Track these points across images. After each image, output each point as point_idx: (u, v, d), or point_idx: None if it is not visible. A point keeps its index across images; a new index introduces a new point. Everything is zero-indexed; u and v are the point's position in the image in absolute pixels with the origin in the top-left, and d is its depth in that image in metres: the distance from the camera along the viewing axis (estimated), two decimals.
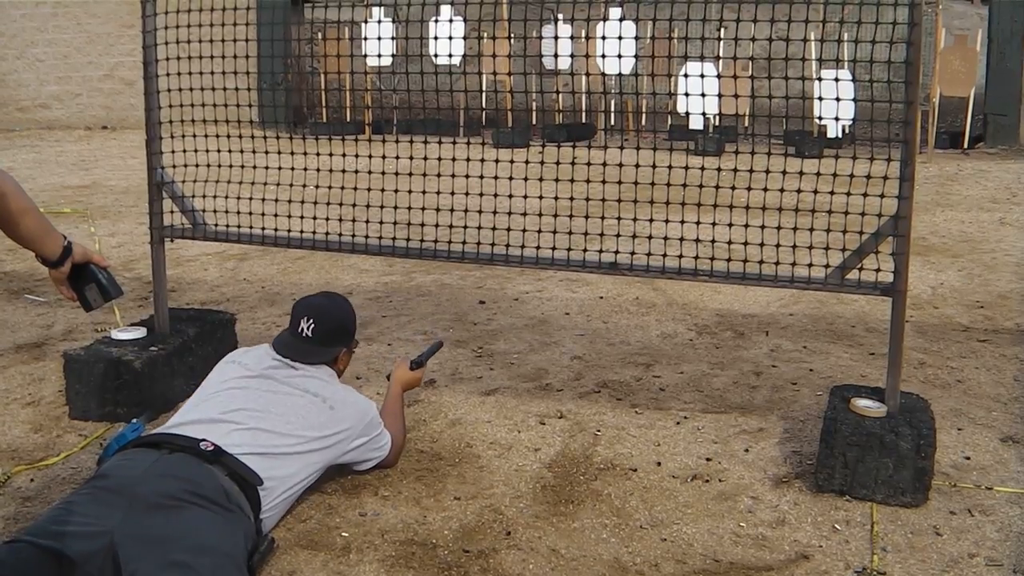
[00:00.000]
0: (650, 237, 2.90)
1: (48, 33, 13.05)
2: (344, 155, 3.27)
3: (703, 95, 3.23)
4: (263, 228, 3.27)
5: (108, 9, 12.83)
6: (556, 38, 9.31)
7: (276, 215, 3.24)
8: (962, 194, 7.51)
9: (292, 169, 3.30)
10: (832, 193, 2.69)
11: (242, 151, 3.37)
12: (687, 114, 9.19)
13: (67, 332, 4.05)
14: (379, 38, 8.64)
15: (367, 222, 3.11)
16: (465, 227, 3.01)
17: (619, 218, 2.91)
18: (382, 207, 3.13)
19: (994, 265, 5.20)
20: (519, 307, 4.43)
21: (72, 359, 3.14)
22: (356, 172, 3.25)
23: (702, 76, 3.04)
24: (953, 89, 9.68)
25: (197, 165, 3.40)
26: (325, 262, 5.28)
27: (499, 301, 4.53)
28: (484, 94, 9.66)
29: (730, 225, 2.93)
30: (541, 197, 2.95)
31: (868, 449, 2.52)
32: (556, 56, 8.68)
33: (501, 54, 8.98)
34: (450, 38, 3.05)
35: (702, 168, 2.89)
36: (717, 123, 10.15)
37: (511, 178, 3.10)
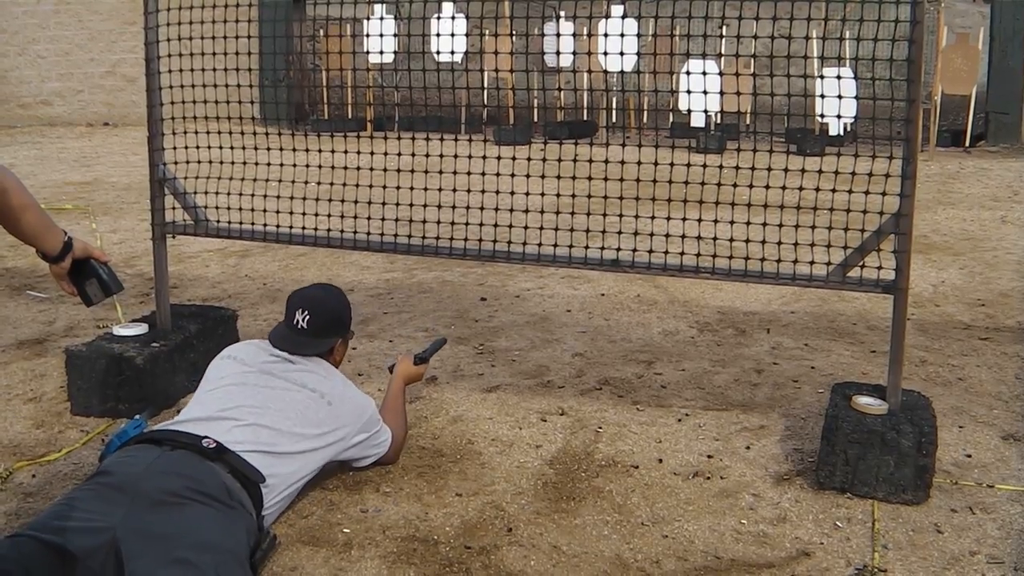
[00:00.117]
0: (652, 234, 2.90)
1: (50, 30, 13.05)
2: (346, 152, 3.27)
3: (705, 92, 3.24)
4: (265, 225, 3.27)
5: (110, 6, 12.84)
6: (558, 35, 9.31)
7: (278, 212, 3.24)
8: (963, 192, 7.51)
9: (294, 166, 3.30)
10: (834, 191, 2.69)
11: (244, 148, 3.37)
12: (689, 112, 9.17)
13: (69, 328, 4.06)
14: (381, 35, 8.63)
15: (369, 219, 3.11)
16: (467, 224, 3.01)
17: (621, 215, 2.91)
18: (384, 204, 3.13)
19: (995, 263, 5.20)
20: (520, 304, 4.43)
21: (74, 355, 3.14)
22: (358, 169, 3.25)
23: (704, 74, 3.03)
24: (955, 87, 9.67)
25: (199, 162, 3.41)
26: (326, 259, 5.28)
27: (500, 298, 4.53)
28: (486, 91, 9.66)
29: (732, 223, 2.93)
30: (543, 194, 2.95)
31: (869, 447, 2.53)
32: (558, 53, 8.67)
33: (503, 51, 9.01)
34: (452, 35, 3.04)
35: (704, 165, 2.89)
36: (719, 121, 10.14)
37: (513, 175, 3.10)
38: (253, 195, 3.33)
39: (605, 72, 9.57)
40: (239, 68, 3.28)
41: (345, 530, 2.41)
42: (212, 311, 3.59)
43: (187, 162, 3.40)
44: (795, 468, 2.75)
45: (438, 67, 3.20)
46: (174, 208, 3.33)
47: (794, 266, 2.73)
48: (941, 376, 3.49)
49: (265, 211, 3.29)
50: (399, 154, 3.16)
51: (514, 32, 7.85)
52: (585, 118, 10.97)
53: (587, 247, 2.95)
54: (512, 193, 3.06)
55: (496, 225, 3.04)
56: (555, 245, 2.93)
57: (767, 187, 2.78)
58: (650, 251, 2.84)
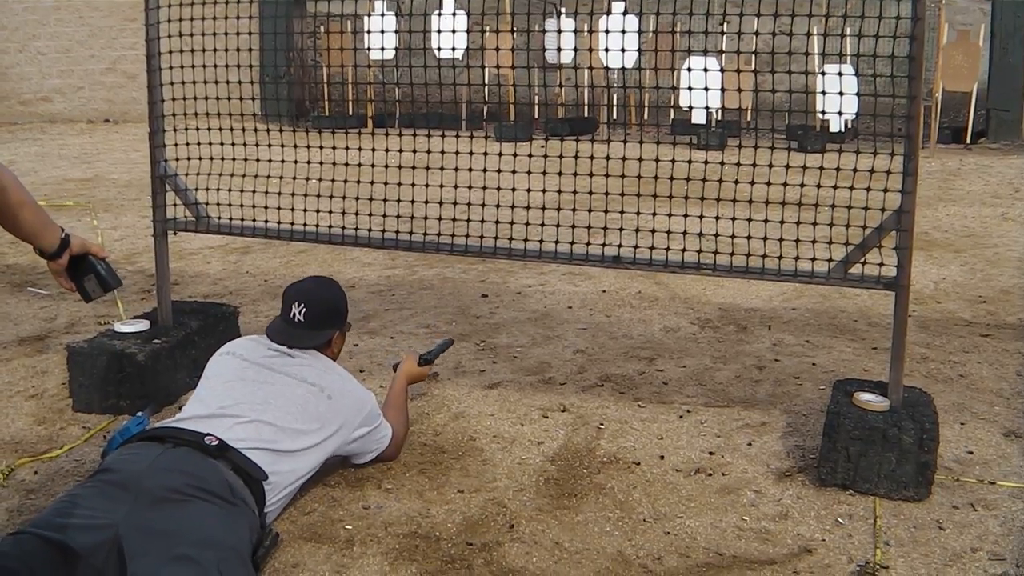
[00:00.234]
0: (653, 231, 2.90)
1: (50, 27, 13.05)
2: (347, 148, 3.27)
3: (706, 89, 3.23)
4: (266, 221, 3.27)
5: (110, 3, 12.84)
6: (559, 32, 9.28)
7: (279, 208, 3.25)
8: (964, 189, 7.51)
9: (295, 162, 3.30)
10: (835, 187, 2.69)
11: (245, 144, 3.37)
12: (689, 108, 9.17)
13: (70, 325, 4.06)
14: (382, 31, 8.60)
15: (370, 215, 3.11)
16: (468, 220, 3.01)
17: (622, 212, 2.91)
18: (385, 200, 3.13)
19: (996, 260, 5.20)
20: (522, 301, 4.43)
21: (75, 352, 3.14)
22: (359, 165, 3.25)
23: (705, 70, 3.02)
24: (956, 84, 9.67)
25: (200, 158, 3.41)
26: (328, 255, 5.28)
27: (502, 295, 4.53)
28: (486, 88, 9.65)
29: (733, 219, 2.93)
30: (544, 191, 2.95)
31: (871, 443, 2.53)
32: (559, 50, 8.65)
33: (504, 48, 8.99)
34: (453, 32, 3.03)
35: (705, 162, 2.89)
36: (719, 117, 10.14)
37: (513, 172, 3.10)
38: (254, 191, 3.32)
39: (606, 69, 9.58)
40: (240, 65, 3.28)
41: (347, 526, 2.41)
42: (213, 308, 3.59)
43: (188, 159, 3.40)
44: (797, 465, 2.75)
45: (439, 63, 3.20)
46: (175, 205, 3.33)
47: (795, 263, 2.73)
48: (942, 373, 3.49)
49: (266, 207, 3.29)
50: (400, 151, 3.16)
51: (515, 28, 7.84)
52: (586, 115, 10.97)
53: (588, 244, 2.95)
54: (513, 190, 3.06)
55: (497, 222, 3.04)
56: (556, 242, 2.93)
57: (768, 184, 2.78)
58: (651, 248, 2.84)
